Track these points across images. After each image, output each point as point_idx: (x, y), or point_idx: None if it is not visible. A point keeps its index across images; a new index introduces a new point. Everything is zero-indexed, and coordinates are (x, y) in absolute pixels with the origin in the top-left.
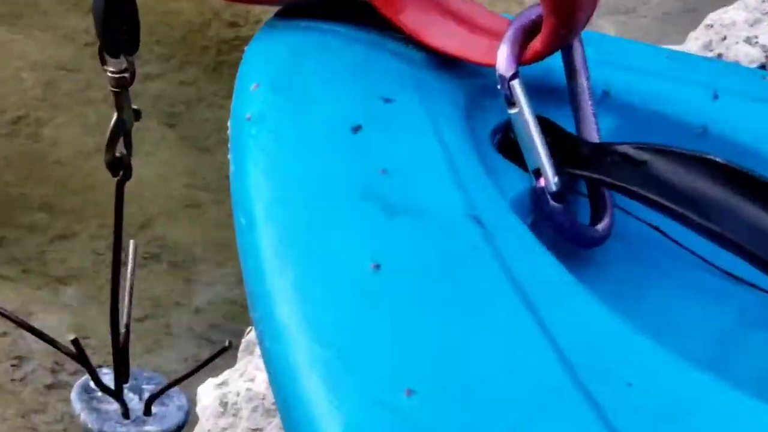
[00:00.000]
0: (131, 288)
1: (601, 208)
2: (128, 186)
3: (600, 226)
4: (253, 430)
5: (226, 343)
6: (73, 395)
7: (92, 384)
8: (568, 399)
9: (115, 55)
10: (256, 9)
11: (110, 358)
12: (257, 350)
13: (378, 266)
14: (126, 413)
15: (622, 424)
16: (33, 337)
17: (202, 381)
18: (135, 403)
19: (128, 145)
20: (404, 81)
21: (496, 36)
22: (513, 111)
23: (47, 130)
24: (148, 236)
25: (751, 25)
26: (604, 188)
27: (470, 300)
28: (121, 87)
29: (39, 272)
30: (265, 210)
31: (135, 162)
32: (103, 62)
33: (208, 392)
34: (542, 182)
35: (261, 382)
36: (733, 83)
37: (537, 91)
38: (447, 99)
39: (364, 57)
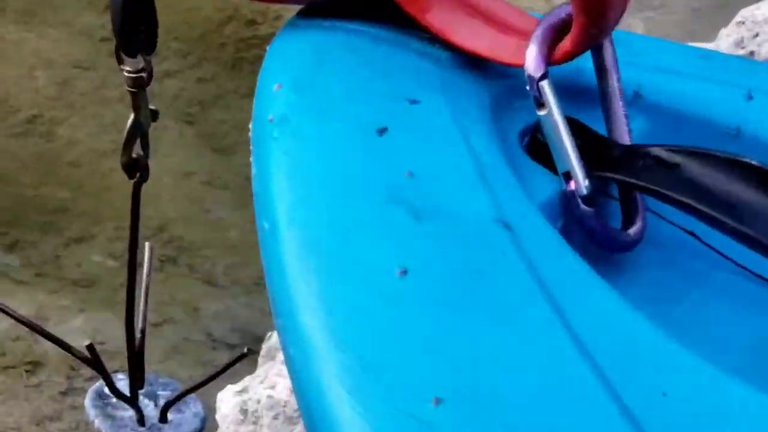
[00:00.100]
0: (147, 292)
1: (632, 211)
2: (145, 187)
3: (632, 231)
4: None
5: (245, 350)
6: (87, 401)
7: (107, 390)
8: (602, 409)
9: (133, 55)
10: (276, 6)
11: (127, 363)
12: (279, 356)
13: (405, 272)
14: (141, 420)
15: None
16: (48, 342)
17: (222, 387)
18: (150, 409)
19: (145, 147)
20: (430, 81)
21: (525, 35)
22: (542, 112)
23: (62, 130)
24: (165, 238)
25: None
26: (635, 191)
27: (499, 306)
28: (138, 87)
29: (54, 276)
30: (288, 214)
31: (152, 162)
32: (120, 62)
33: (227, 399)
34: (572, 185)
35: (282, 388)
36: None
37: (567, 92)
38: (474, 100)
39: (389, 57)
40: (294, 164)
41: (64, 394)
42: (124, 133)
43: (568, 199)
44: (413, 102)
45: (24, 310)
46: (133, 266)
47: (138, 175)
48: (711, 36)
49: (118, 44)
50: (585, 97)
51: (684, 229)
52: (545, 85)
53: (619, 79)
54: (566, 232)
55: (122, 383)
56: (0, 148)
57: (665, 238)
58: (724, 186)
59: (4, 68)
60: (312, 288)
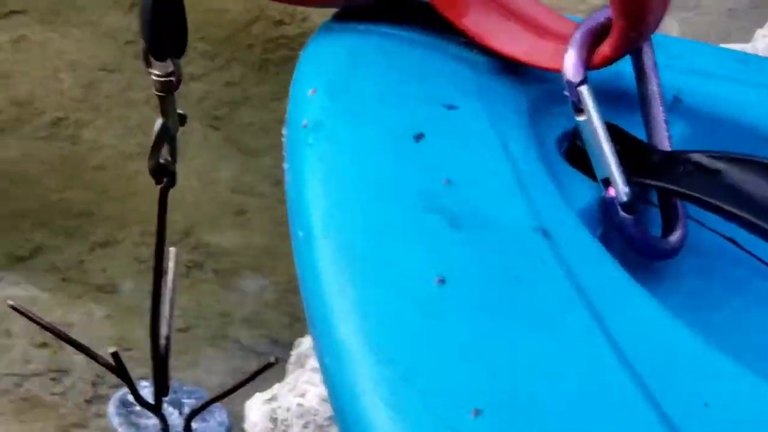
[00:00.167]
0: (172, 298)
1: (673, 218)
2: (171, 191)
3: (672, 238)
4: None
5: (272, 359)
6: (111, 409)
7: (131, 398)
8: (642, 418)
9: (162, 59)
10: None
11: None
12: (308, 363)
13: (443, 280)
14: (165, 429)
15: None
16: (73, 348)
17: (250, 395)
18: (175, 418)
19: (173, 152)
20: (467, 87)
21: (563, 39)
22: (581, 118)
23: (87, 133)
24: (191, 243)
25: None
26: (675, 198)
27: (538, 314)
28: (167, 91)
29: (79, 281)
30: (324, 222)
31: (177, 165)
32: (148, 65)
33: (256, 407)
34: (612, 192)
35: (313, 396)
36: None
37: (605, 97)
38: (512, 105)
39: (425, 61)
40: (329, 171)
41: (89, 401)
42: (152, 138)
43: (607, 206)
44: (450, 107)
45: (49, 316)
46: (158, 273)
47: (165, 180)
48: (747, 37)
49: (146, 48)
50: (624, 102)
51: (725, 236)
52: (584, 90)
53: (658, 84)
54: (605, 240)
55: (146, 391)
56: (25, 151)
57: (706, 245)
58: (766, 192)
59: (29, 69)
60: (348, 297)
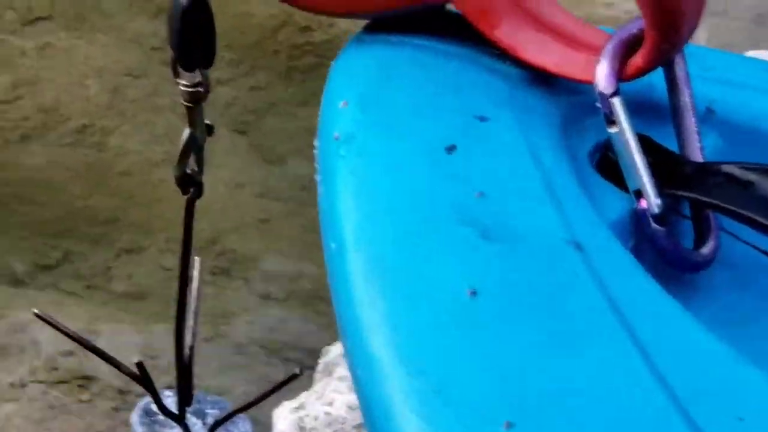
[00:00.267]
0: (196, 307)
1: (705, 230)
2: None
3: (704, 250)
4: None
5: (297, 370)
6: (135, 418)
7: (154, 407)
8: None
9: (190, 69)
10: None
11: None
12: (336, 372)
13: (474, 293)
14: None
15: None
16: None
17: (278, 404)
18: (198, 428)
19: (200, 162)
20: (500, 98)
21: (595, 51)
22: (613, 130)
23: (113, 139)
24: (217, 250)
25: None
26: (708, 210)
27: (570, 327)
28: (195, 101)
29: (105, 288)
30: (356, 234)
31: (204, 171)
32: (176, 75)
33: (283, 416)
34: (644, 204)
35: (340, 405)
36: None
37: (638, 108)
38: (544, 117)
39: (457, 73)
40: (361, 183)
41: (116, 409)
42: (179, 147)
43: (639, 217)
44: (482, 119)
45: (74, 323)
46: (184, 284)
47: (192, 190)
48: None
49: (175, 58)
50: (656, 113)
51: (758, 249)
52: (616, 102)
53: (691, 95)
54: (637, 252)
55: (170, 400)
56: (50, 157)
57: (738, 257)
58: None
59: (55, 76)
60: (379, 309)
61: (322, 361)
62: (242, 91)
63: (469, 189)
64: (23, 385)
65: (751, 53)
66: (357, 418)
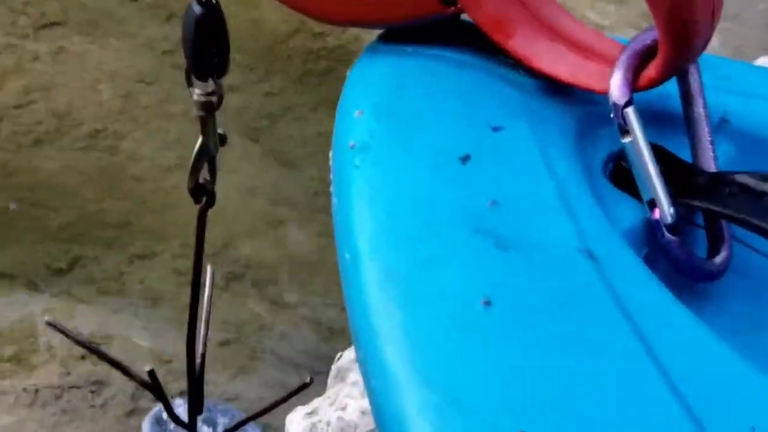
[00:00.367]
0: (208, 315)
1: (718, 240)
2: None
3: (717, 259)
4: None
5: (308, 379)
6: (146, 426)
7: (165, 415)
8: None
9: (204, 78)
10: None
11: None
12: (349, 377)
13: (488, 302)
14: None
15: None
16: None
17: (291, 409)
18: None
19: (212, 171)
20: (514, 108)
21: (609, 61)
22: (627, 140)
23: (125, 144)
24: (231, 256)
25: None
26: (721, 219)
27: (584, 337)
28: (208, 111)
29: (117, 293)
30: (370, 244)
31: (217, 177)
32: (190, 84)
33: (296, 421)
34: (657, 213)
35: (353, 410)
36: None
37: (651, 118)
38: (558, 127)
39: (472, 83)
40: (375, 192)
41: (128, 414)
42: (191, 156)
43: (652, 227)
44: (496, 129)
45: (87, 328)
46: (196, 293)
47: (204, 200)
48: None
49: (188, 67)
50: (670, 123)
51: None
52: (630, 112)
53: (704, 105)
54: (651, 261)
55: (181, 409)
56: (63, 162)
57: (752, 267)
58: None
59: (68, 81)
60: (394, 319)
61: (334, 367)
62: (255, 96)
63: (483, 198)
64: (36, 390)
65: (763, 58)
66: (369, 423)
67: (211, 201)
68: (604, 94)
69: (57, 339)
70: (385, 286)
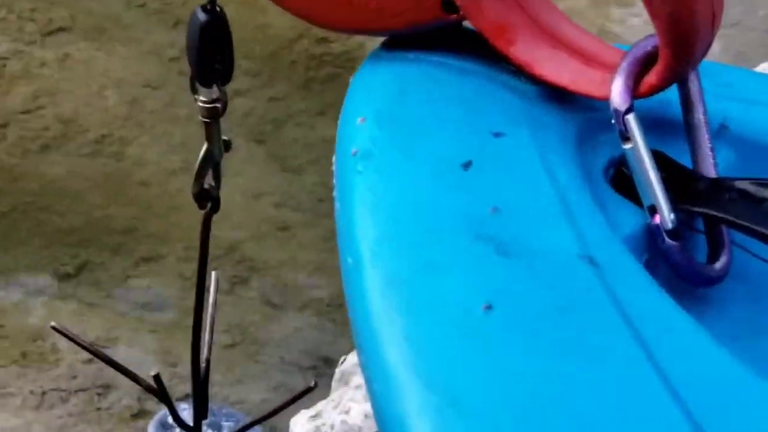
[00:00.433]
0: (212, 320)
1: (718, 245)
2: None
3: (717, 265)
4: None
5: (312, 383)
6: (151, 429)
7: (170, 419)
8: None
9: (209, 85)
10: None
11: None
12: (352, 381)
13: (489, 307)
14: None
15: None
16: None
17: (295, 412)
18: None
19: (217, 177)
20: (515, 115)
21: (610, 68)
22: (627, 146)
23: (131, 149)
24: (236, 259)
25: None
26: (721, 225)
27: (584, 342)
28: (212, 117)
29: (123, 297)
30: (372, 249)
31: (223, 181)
32: (194, 91)
33: (301, 424)
34: (657, 219)
35: (357, 413)
36: None
37: (652, 124)
38: (559, 133)
39: (474, 90)
40: (378, 198)
41: (135, 416)
42: (196, 161)
43: (653, 232)
44: (498, 135)
45: (93, 332)
46: (201, 297)
47: (209, 205)
48: None
49: (193, 74)
50: (670, 130)
51: None
52: (631, 118)
53: (704, 112)
54: (651, 266)
55: (186, 413)
56: (70, 167)
57: (751, 272)
58: None
59: (74, 87)
60: (396, 323)
61: (338, 371)
62: (260, 101)
63: (485, 205)
64: (43, 393)
65: (765, 64)
66: (373, 426)
67: (215, 206)
68: (605, 101)
69: (63, 342)
70: (386, 291)
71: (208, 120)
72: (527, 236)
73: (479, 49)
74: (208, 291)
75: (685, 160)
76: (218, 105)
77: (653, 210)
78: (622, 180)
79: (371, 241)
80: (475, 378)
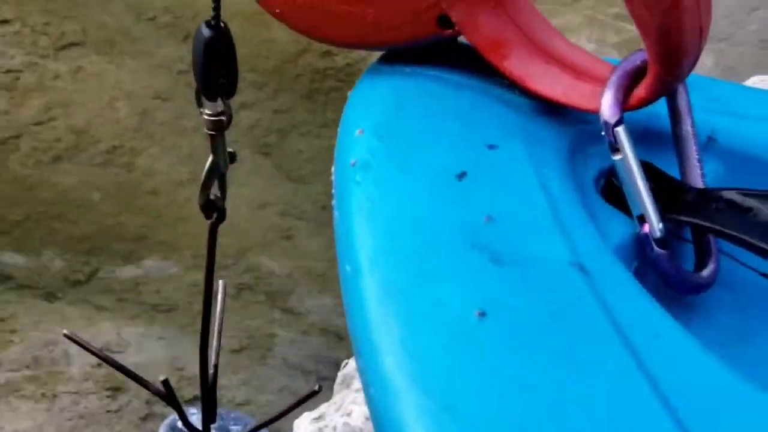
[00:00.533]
0: (220, 327)
1: (705, 254)
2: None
3: (705, 273)
4: None
5: (316, 387)
6: None
7: (179, 424)
8: None
9: (213, 99)
10: None
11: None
12: (354, 384)
13: (483, 314)
14: None
15: None
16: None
17: (299, 415)
18: None
19: (222, 188)
20: (509, 127)
21: (600, 81)
22: (617, 157)
23: (141, 160)
24: (242, 267)
25: None
26: (708, 234)
27: (575, 349)
28: (218, 130)
29: (134, 302)
30: (370, 258)
31: (229, 191)
32: (200, 105)
33: (304, 426)
34: (646, 228)
35: (358, 416)
36: None
37: (641, 136)
38: (551, 145)
39: (469, 103)
40: (375, 208)
41: (144, 419)
42: (203, 173)
43: (642, 241)
44: (492, 147)
45: (104, 336)
46: (208, 305)
47: (215, 215)
48: None
49: (198, 88)
50: (659, 141)
51: (757, 271)
52: (620, 130)
53: (692, 124)
54: (640, 274)
55: (195, 417)
56: (82, 177)
57: (738, 280)
58: None
59: (86, 99)
60: (392, 330)
61: (340, 374)
62: (266, 113)
63: (479, 215)
64: (54, 395)
65: (755, 78)
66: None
67: (221, 216)
68: (596, 114)
69: (75, 346)
70: (384, 299)
71: (213, 132)
72: (520, 245)
73: (474, 64)
74: (216, 299)
75: (674, 171)
76: (223, 118)
77: (642, 219)
78: (612, 190)
79: (369, 250)
80: (469, 383)
